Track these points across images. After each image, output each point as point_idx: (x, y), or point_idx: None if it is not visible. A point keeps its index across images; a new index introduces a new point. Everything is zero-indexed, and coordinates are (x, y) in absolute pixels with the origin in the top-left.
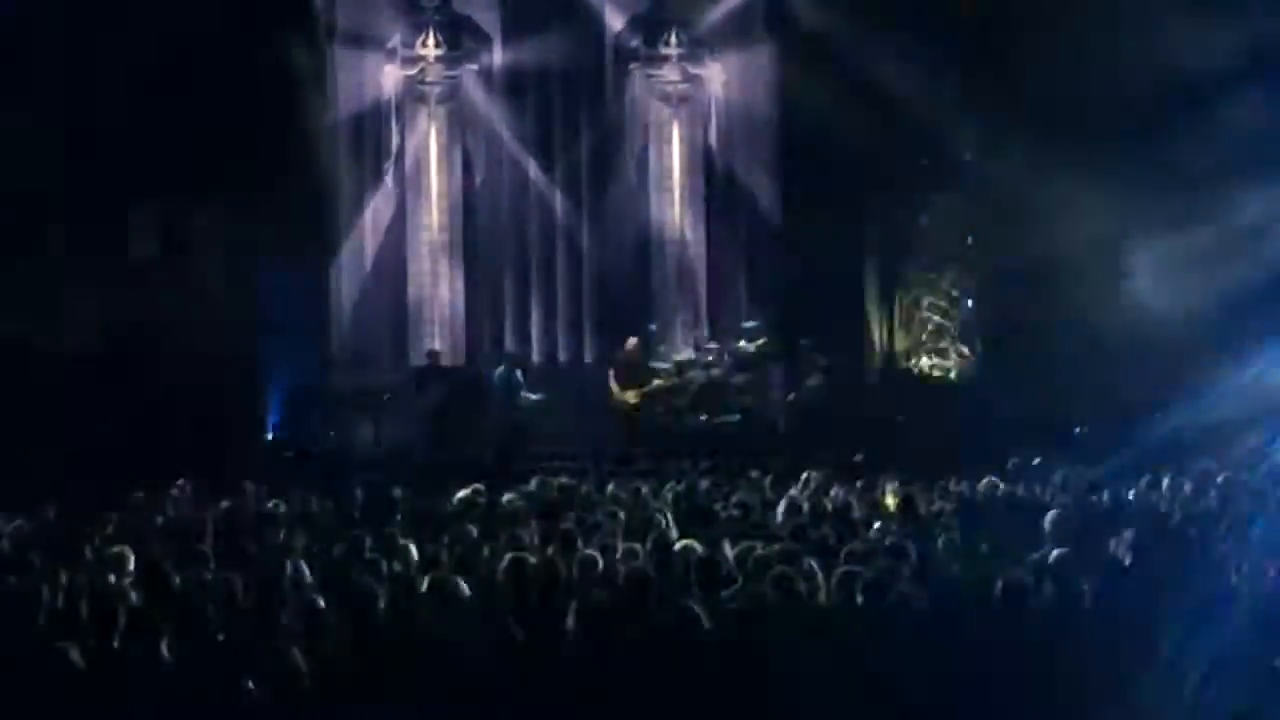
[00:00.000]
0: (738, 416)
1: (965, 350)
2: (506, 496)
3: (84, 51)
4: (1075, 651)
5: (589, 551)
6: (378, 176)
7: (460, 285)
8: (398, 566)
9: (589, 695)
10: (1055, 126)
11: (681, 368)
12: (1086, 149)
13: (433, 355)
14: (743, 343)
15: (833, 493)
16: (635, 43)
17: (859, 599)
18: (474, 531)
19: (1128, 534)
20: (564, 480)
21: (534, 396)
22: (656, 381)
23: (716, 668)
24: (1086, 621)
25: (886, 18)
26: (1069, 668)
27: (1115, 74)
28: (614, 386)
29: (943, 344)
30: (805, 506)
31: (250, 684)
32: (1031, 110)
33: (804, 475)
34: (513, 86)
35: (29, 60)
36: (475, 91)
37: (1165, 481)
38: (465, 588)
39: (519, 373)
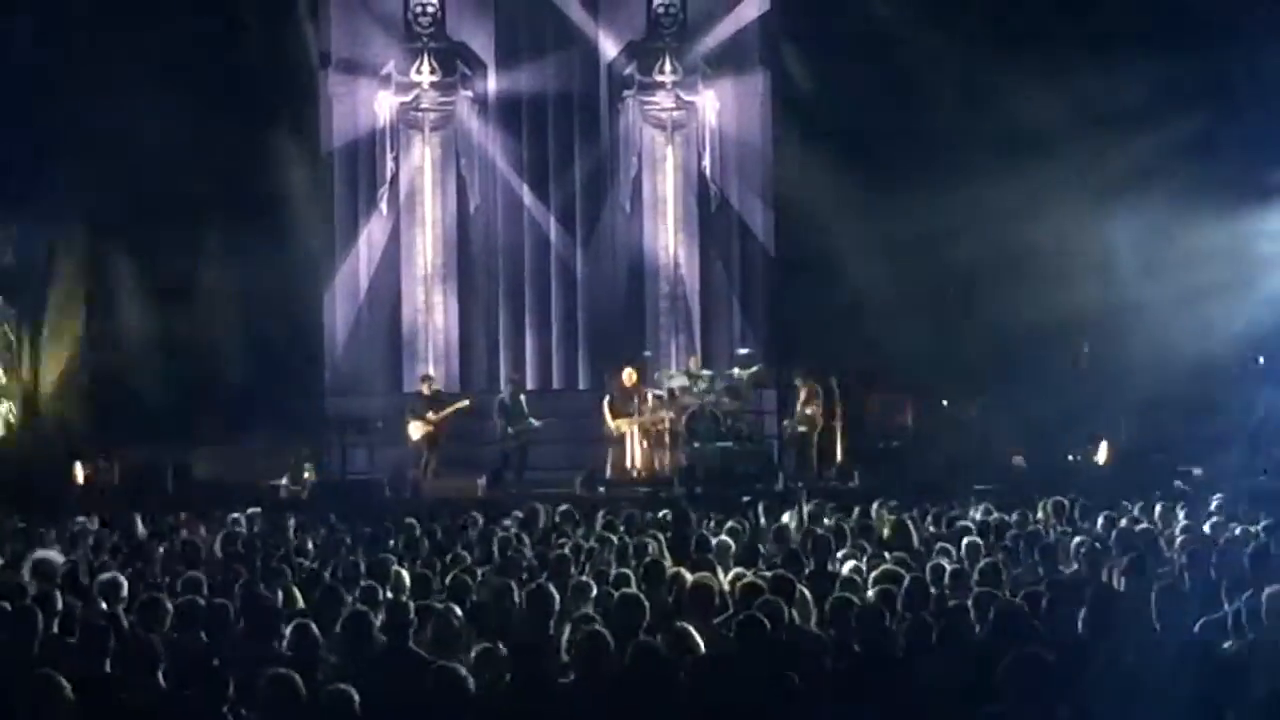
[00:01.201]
0: (731, 443)
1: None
2: (501, 523)
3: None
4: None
5: (583, 578)
6: (372, 203)
7: (455, 311)
8: (389, 593)
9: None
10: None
11: (675, 394)
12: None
13: (425, 380)
14: (736, 370)
15: (826, 520)
16: (629, 70)
17: (852, 625)
18: (468, 557)
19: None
20: (558, 506)
21: (537, 423)
22: (650, 408)
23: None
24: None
25: (879, 46)
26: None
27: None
28: (607, 413)
29: None
30: (797, 534)
31: (243, 711)
32: (1017, 141)
33: (796, 502)
34: (507, 113)
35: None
36: (470, 118)
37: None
38: (459, 612)
39: (522, 398)
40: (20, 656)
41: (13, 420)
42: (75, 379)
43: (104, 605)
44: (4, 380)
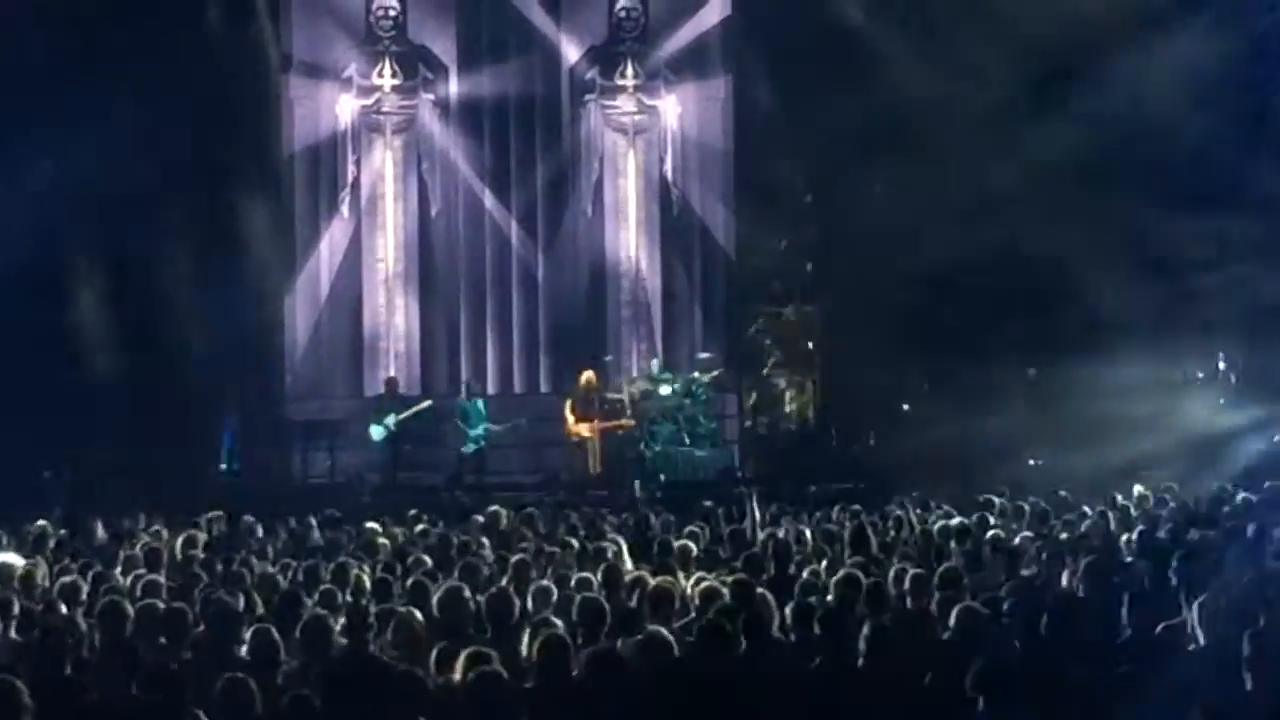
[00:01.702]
0: (691, 447)
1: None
2: (461, 526)
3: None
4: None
5: (544, 582)
6: (333, 206)
7: (416, 315)
8: (349, 597)
9: None
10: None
11: (635, 398)
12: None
13: (390, 383)
14: (696, 373)
15: (784, 523)
16: (591, 74)
17: (815, 630)
18: (428, 561)
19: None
20: (519, 510)
21: (497, 427)
22: (609, 411)
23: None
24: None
25: (841, 49)
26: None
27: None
28: (569, 417)
29: None
30: (757, 537)
31: (202, 716)
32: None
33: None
34: (469, 117)
35: None
36: (431, 122)
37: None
38: (419, 617)
39: (480, 403)
40: None
41: None
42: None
43: (64, 609)
44: None
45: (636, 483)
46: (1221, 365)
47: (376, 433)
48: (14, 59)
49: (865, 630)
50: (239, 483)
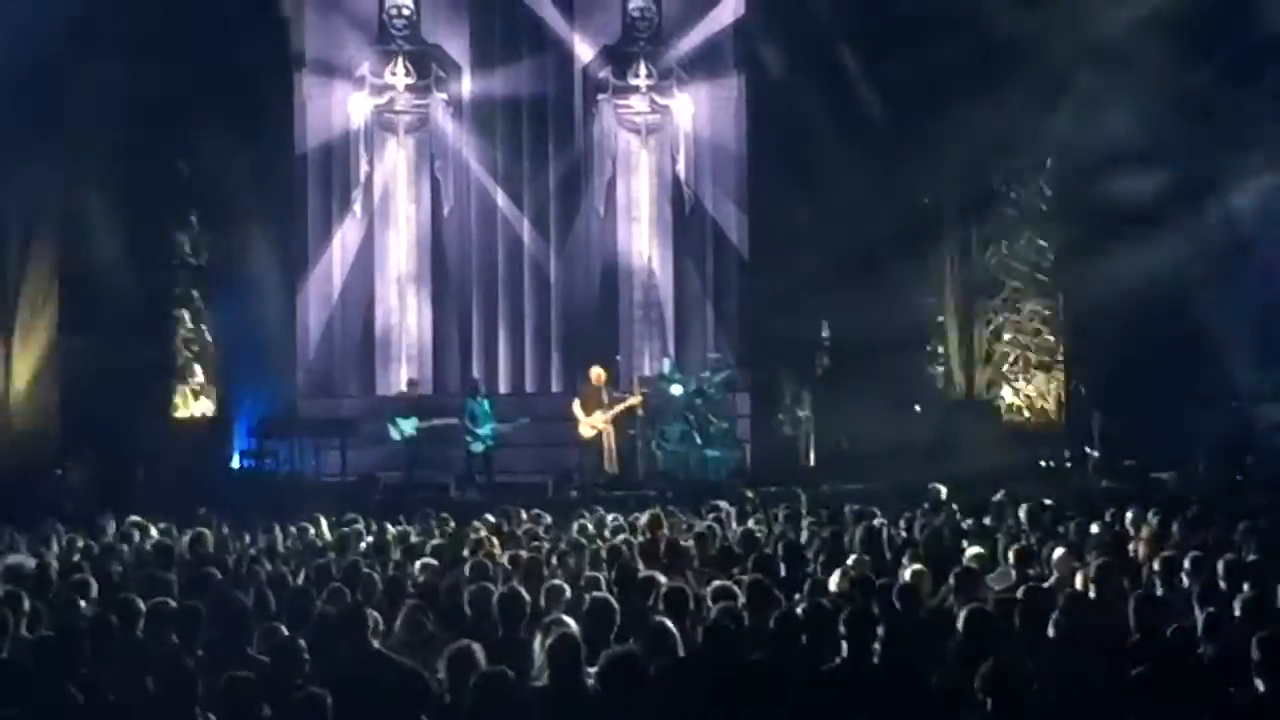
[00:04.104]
0: (702, 446)
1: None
2: (472, 525)
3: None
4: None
5: (555, 581)
6: (346, 205)
7: (428, 314)
8: (360, 595)
9: None
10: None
11: (647, 398)
12: None
13: (411, 385)
14: (708, 373)
15: (801, 524)
16: (604, 74)
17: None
18: (439, 560)
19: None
20: (529, 509)
21: (504, 427)
22: (623, 407)
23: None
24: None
25: (855, 50)
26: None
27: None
28: (579, 415)
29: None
30: (767, 538)
31: (213, 714)
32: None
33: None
34: (482, 116)
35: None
36: (444, 121)
37: None
38: (429, 616)
39: (486, 403)
40: None
41: None
42: (46, 383)
43: (74, 607)
44: None
45: (648, 482)
46: None
47: (395, 433)
48: (22, 57)
49: (878, 632)
50: (251, 480)
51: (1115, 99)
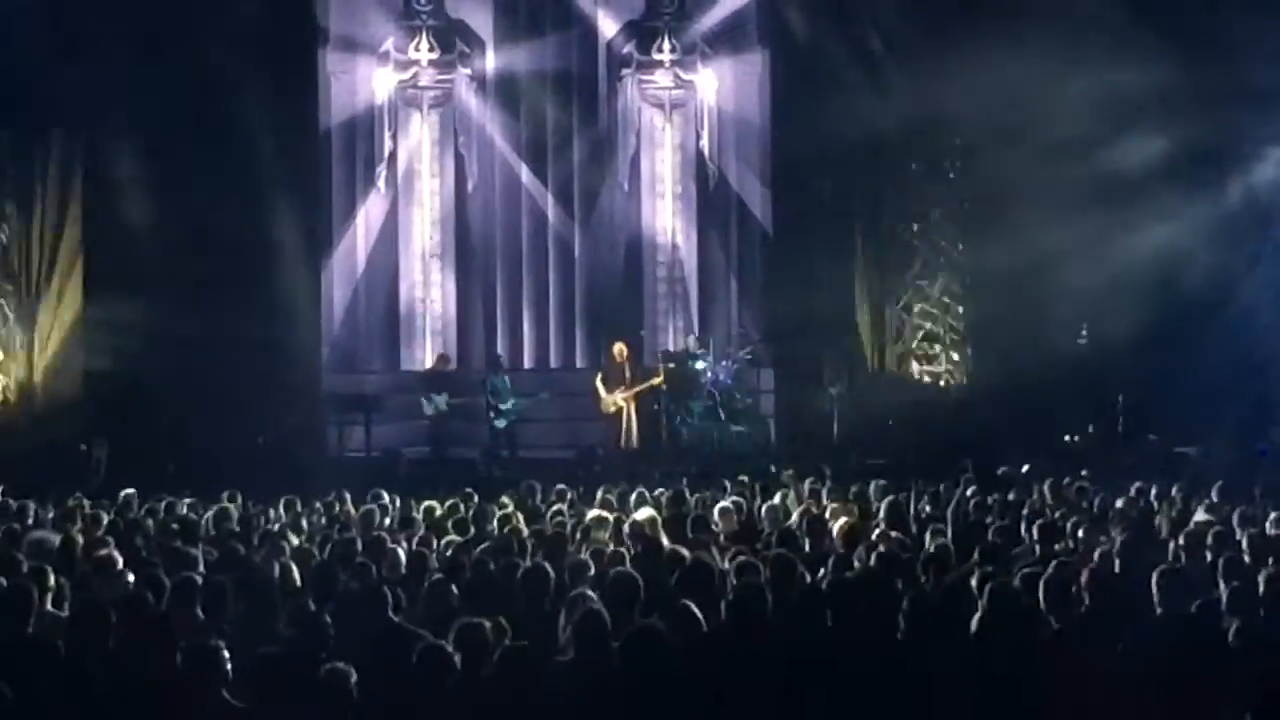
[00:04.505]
0: (727, 422)
1: (956, 357)
2: (497, 501)
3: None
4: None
5: (579, 556)
6: (370, 181)
7: (452, 290)
8: (384, 570)
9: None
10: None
11: (671, 373)
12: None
13: (441, 360)
14: (732, 348)
15: (824, 499)
16: (628, 48)
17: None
18: (464, 536)
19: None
20: (554, 484)
21: (527, 401)
22: (644, 386)
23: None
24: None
25: (878, 26)
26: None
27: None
28: (602, 390)
29: (934, 351)
30: (793, 513)
31: (241, 688)
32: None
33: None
34: (506, 91)
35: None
36: (468, 97)
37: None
38: (454, 591)
39: (506, 379)
40: (15, 633)
41: (11, 399)
42: (72, 356)
43: (99, 583)
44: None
45: (672, 457)
46: None
47: (430, 409)
48: (53, 35)
49: (903, 606)
50: (275, 456)
51: None
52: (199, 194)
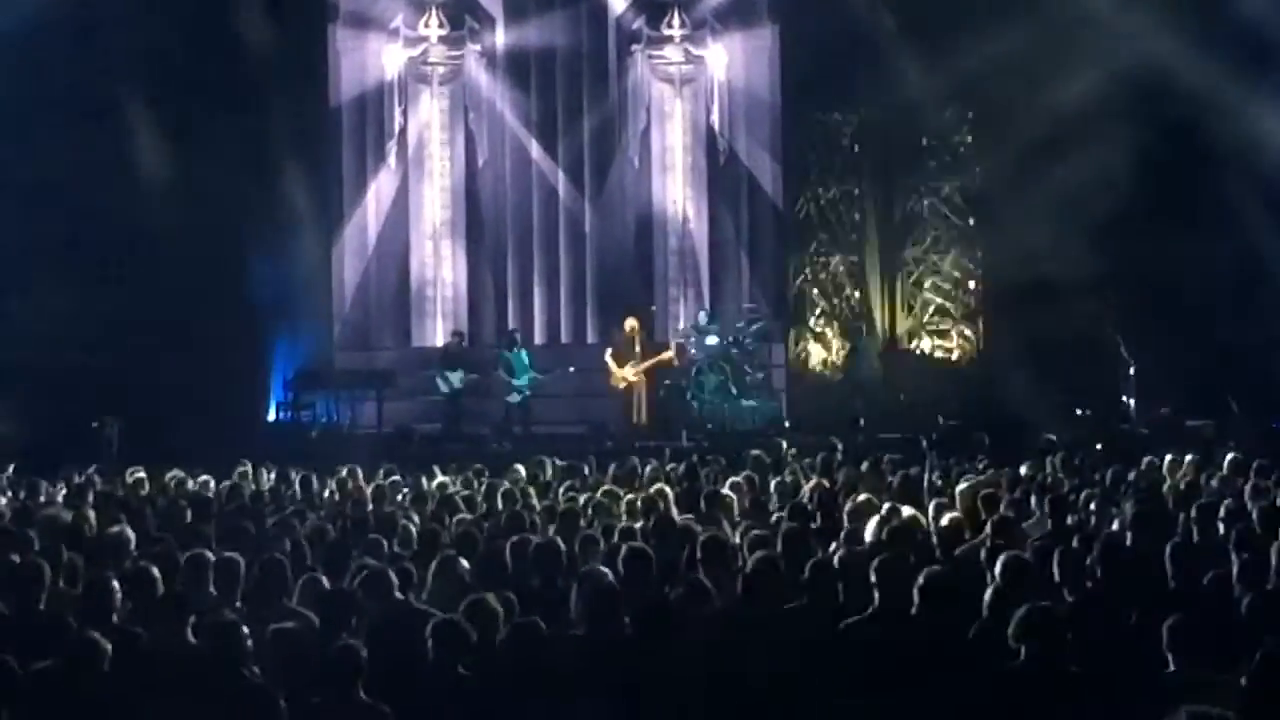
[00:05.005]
0: (738, 396)
1: (968, 332)
2: (508, 476)
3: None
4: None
5: (591, 531)
6: (380, 157)
7: (463, 266)
8: (396, 547)
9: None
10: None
11: (681, 348)
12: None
13: (456, 336)
14: (743, 323)
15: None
16: (638, 24)
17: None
18: (475, 512)
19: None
20: (565, 460)
21: (541, 377)
22: (655, 361)
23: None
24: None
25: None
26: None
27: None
28: (612, 366)
29: (945, 325)
30: (804, 488)
31: (254, 665)
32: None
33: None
34: (515, 67)
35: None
36: (478, 73)
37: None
38: (466, 566)
39: (524, 354)
40: (27, 610)
41: None
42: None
43: (111, 559)
44: None
45: (684, 433)
46: None
47: (445, 386)
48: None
49: (917, 580)
50: (287, 433)
51: None
52: (211, 168)
